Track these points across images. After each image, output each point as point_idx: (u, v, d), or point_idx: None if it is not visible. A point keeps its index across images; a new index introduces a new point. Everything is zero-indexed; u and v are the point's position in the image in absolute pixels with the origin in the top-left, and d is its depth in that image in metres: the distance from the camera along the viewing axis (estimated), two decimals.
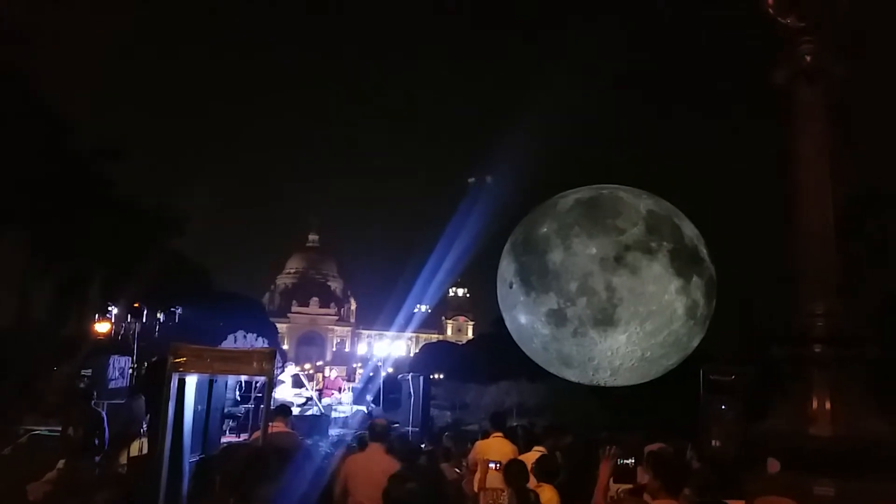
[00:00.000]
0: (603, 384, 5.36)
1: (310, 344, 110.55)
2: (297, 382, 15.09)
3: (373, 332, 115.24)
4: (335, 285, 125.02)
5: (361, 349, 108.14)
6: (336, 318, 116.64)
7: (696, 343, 5.32)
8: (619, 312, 4.86)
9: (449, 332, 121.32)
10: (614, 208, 5.14)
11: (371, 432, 4.77)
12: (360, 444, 5.67)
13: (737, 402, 9.45)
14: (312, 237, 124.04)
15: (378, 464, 4.37)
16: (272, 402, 5.96)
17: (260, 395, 11.54)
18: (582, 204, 5.29)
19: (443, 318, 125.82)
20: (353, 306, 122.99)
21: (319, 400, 15.10)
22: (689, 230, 5.26)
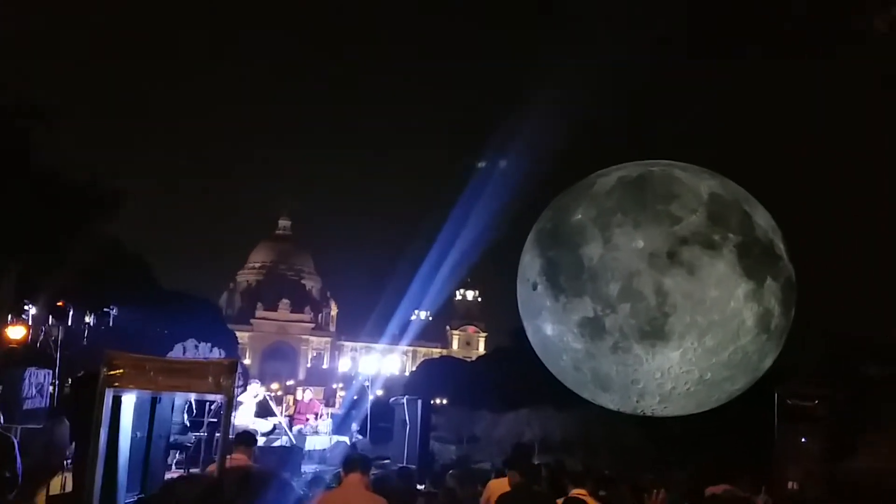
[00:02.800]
0: (650, 413, 5.38)
1: (278, 358, 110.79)
2: (263, 406, 15.17)
3: (358, 345, 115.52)
4: (311, 284, 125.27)
5: (344, 365, 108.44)
6: (312, 325, 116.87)
7: (768, 362, 5.33)
8: (672, 323, 4.87)
9: (455, 345, 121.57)
10: (668, 190, 5.15)
11: (346, 463, 4.72)
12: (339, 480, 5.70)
13: (820, 434, 9.49)
14: (283, 223, 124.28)
15: (357, 502, 4.40)
16: (231, 429, 6.00)
17: (215, 419, 11.60)
18: (627, 184, 5.30)
19: (447, 327, 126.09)
20: (334, 312, 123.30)
21: (290, 428, 15.17)
22: (763, 219, 5.26)
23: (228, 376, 5.86)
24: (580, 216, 5.28)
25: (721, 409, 5.65)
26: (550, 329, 5.34)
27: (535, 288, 5.41)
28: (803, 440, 9.59)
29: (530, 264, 5.53)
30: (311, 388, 24.71)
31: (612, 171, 5.55)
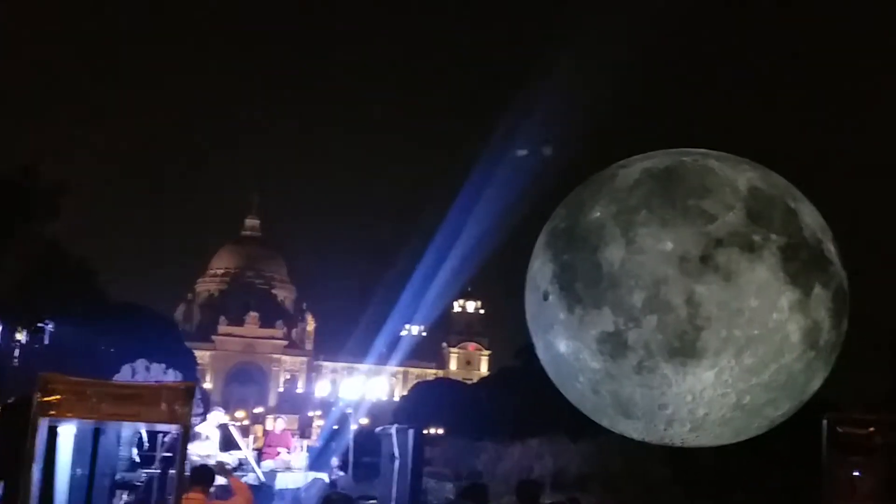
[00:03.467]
0: (680, 443, 5.39)
1: (245, 381, 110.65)
2: (226, 438, 15.16)
3: (339, 365, 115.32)
4: (284, 295, 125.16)
5: (322, 390, 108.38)
6: (285, 343, 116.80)
7: (817, 384, 5.35)
8: (706, 338, 4.89)
9: (453, 365, 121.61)
10: (701, 184, 5.17)
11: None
12: None
13: (878, 468, 9.52)
14: (251, 223, 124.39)
15: None
16: (187, 465, 5.99)
17: (170, 454, 11.60)
18: (653, 177, 5.32)
19: (444, 345, 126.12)
20: (311, 326, 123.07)
21: (258, 463, 15.17)
22: (811, 218, 5.29)
23: (185, 403, 5.86)
24: (599, 214, 5.30)
25: (762, 438, 5.66)
26: (564, 346, 5.35)
27: (546, 298, 5.43)
28: (857, 475, 9.61)
29: (541, 270, 5.55)
30: (283, 416, 24.74)
31: (636, 162, 5.57)
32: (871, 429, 10.04)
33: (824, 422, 9.93)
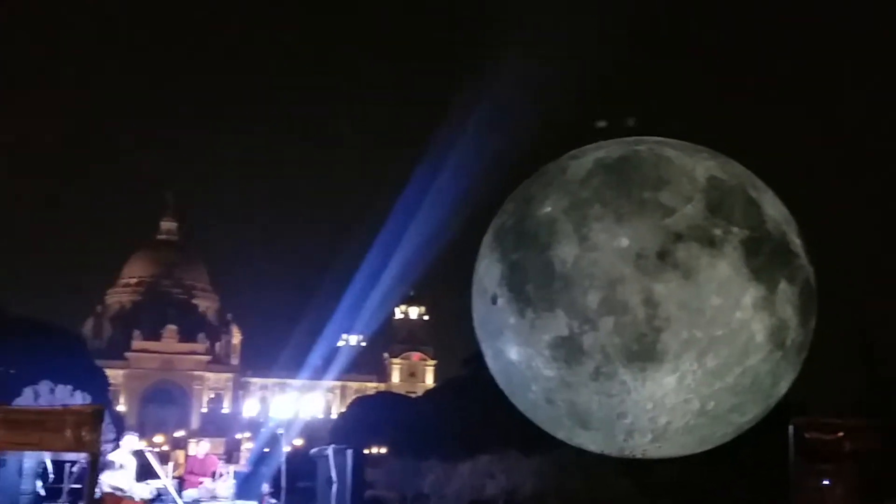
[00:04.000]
0: (640, 455, 5.45)
1: (163, 402, 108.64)
2: (143, 466, 14.89)
3: (269, 382, 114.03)
4: (206, 305, 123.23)
5: (250, 409, 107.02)
6: (208, 358, 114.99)
7: (784, 387, 5.45)
8: (666, 341, 4.95)
9: (396, 377, 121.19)
10: (657, 175, 5.23)
11: None
12: None
13: (848, 476, 9.78)
14: (167, 225, 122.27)
15: None
16: (98, 496, 5.85)
17: (78, 485, 11.36)
18: (606, 168, 5.37)
19: (385, 355, 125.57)
20: (237, 339, 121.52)
21: (179, 493, 14.93)
22: (774, 208, 5.39)
23: (93, 428, 5.73)
24: (549, 209, 5.33)
25: (727, 447, 5.75)
26: (515, 353, 5.36)
27: (494, 301, 5.43)
28: (825, 483, 9.87)
29: (488, 272, 5.55)
30: (207, 439, 24.38)
31: (589, 152, 5.61)
32: (840, 434, 10.28)
33: (791, 427, 10.14)
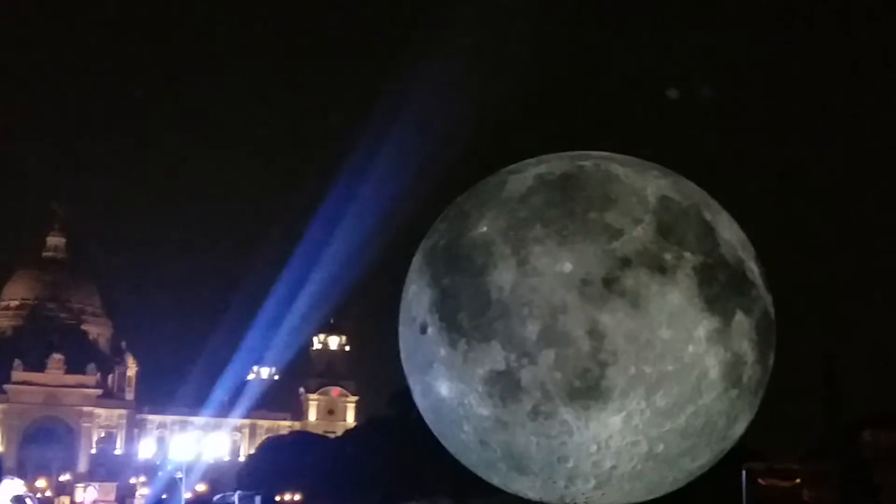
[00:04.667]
0: (584, 503, 5.46)
1: (47, 441, 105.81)
2: None
3: (168, 419, 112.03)
4: (97, 332, 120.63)
5: (146, 450, 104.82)
6: (98, 392, 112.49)
7: (740, 429, 5.52)
8: (612, 376, 4.98)
9: (313, 415, 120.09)
10: (603, 193, 5.28)
11: None
12: None
13: None
14: (53, 242, 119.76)
15: None
16: None
17: None
18: (548, 185, 5.40)
19: (301, 390, 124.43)
20: (132, 371, 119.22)
21: None
22: (730, 232, 5.48)
23: None
24: (485, 229, 5.33)
25: (678, 495, 5.79)
26: (446, 388, 5.33)
27: (423, 331, 5.41)
28: None
29: (416, 298, 5.53)
30: (96, 484, 23.86)
31: (529, 167, 5.64)
32: (798, 480, 10.47)
33: (743, 472, 10.30)
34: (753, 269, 5.46)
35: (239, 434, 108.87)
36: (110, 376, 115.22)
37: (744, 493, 9.47)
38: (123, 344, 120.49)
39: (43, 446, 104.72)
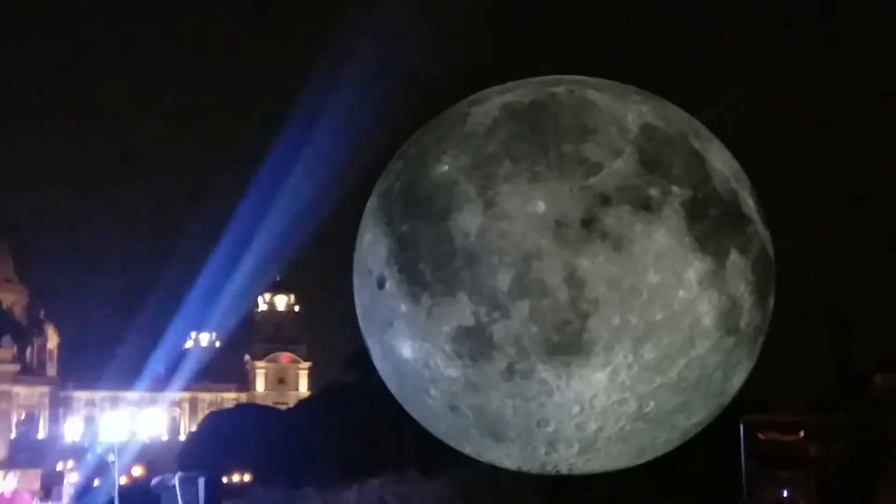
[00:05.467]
0: (566, 471, 5.51)
1: None
2: None
3: (97, 395, 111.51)
4: (11, 300, 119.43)
5: (73, 430, 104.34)
6: (15, 367, 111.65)
7: (739, 381, 5.59)
8: (594, 328, 5.00)
9: (261, 385, 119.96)
10: (578, 122, 5.27)
11: None
12: None
13: (810, 485, 10.16)
14: None
15: None
16: None
17: None
18: (516, 115, 5.38)
19: (247, 358, 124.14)
20: (54, 343, 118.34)
21: None
22: (722, 162, 5.50)
23: None
24: (446, 168, 5.32)
25: (671, 456, 5.87)
26: (409, 349, 5.35)
27: (381, 285, 5.41)
28: (785, 494, 10.21)
29: (372, 248, 5.52)
30: (15, 471, 23.80)
31: (493, 96, 5.62)
32: (802, 434, 10.60)
33: (741, 426, 10.42)
34: (749, 202, 5.49)
35: (178, 409, 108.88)
36: (28, 350, 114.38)
37: (742, 449, 9.67)
38: (42, 313, 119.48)
39: None
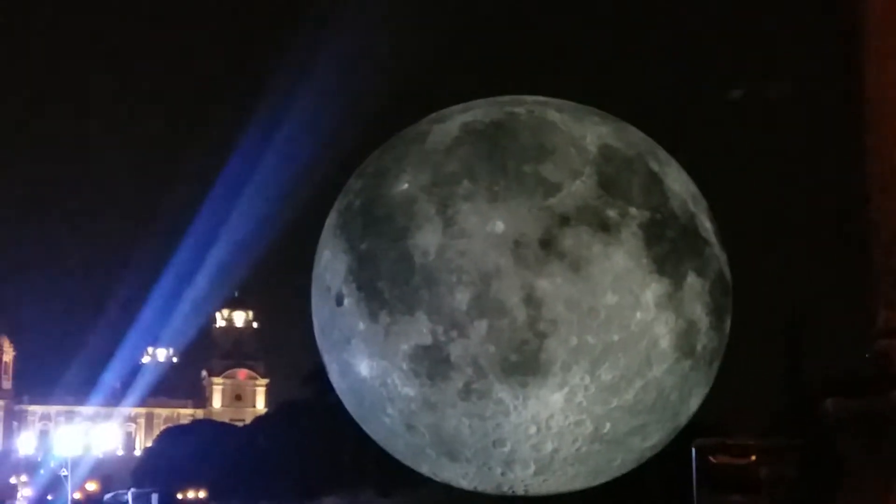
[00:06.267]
0: (523, 492, 5.50)
1: None
2: None
3: (52, 409, 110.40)
4: None
5: (26, 444, 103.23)
6: None
7: (695, 403, 5.60)
8: (552, 348, 5.00)
9: (217, 401, 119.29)
10: (538, 143, 5.28)
11: None
12: None
13: None
14: None
15: None
16: None
17: None
18: (476, 135, 5.39)
19: (203, 374, 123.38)
20: (9, 356, 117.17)
21: None
22: (679, 184, 5.53)
23: None
24: (406, 186, 5.32)
25: (627, 478, 5.86)
26: (366, 367, 5.32)
27: (339, 303, 5.39)
28: None
29: (331, 265, 5.50)
30: None
31: (455, 115, 5.62)
32: (753, 457, 10.64)
33: (693, 450, 10.45)
34: (706, 224, 5.52)
35: (133, 424, 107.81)
36: None
37: (693, 473, 9.75)
38: None
39: None
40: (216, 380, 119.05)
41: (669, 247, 5.19)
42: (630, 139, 5.53)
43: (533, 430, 5.13)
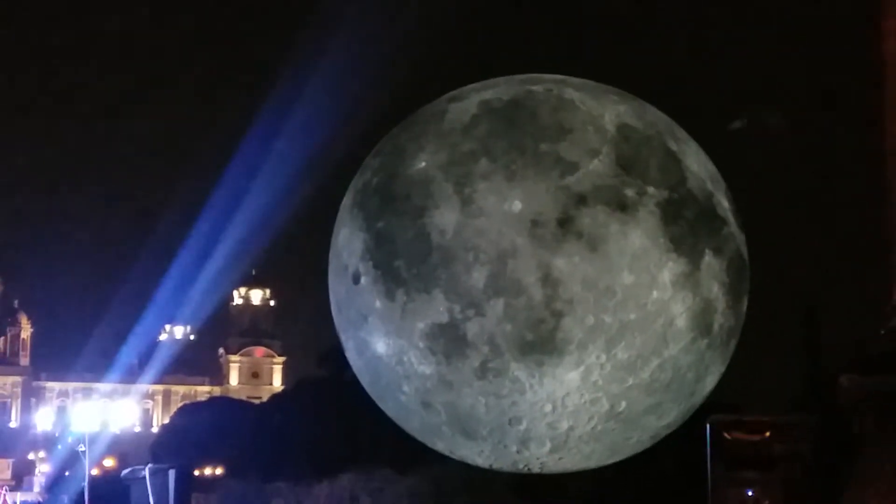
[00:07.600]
0: (538, 470, 5.51)
1: None
2: None
3: (69, 386, 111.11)
4: None
5: (44, 420, 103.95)
6: None
7: (711, 382, 5.60)
8: (568, 327, 5.00)
9: (234, 378, 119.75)
10: (556, 122, 5.26)
11: None
12: None
13: (776, 485, 10.16)
14: None
15: None
16: None
17: None
18: (494, 113, 5.37)
19: (221, 351, 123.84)
20: (27, 333, 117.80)
21: None
22: (698, 164, 5.51)
23: None
24: (423, 164, 5.31)
25: (643, 456, 5.87)
26: (383, 345, 5.33)
27: (356, 281, 5.39)
28: (749, 493, 10.23)
29: (348, 244, 5.50)
30: None
31: (471, 94, 5.61)
32: (768, 434, 10.62)
33: (707, 426, 10.42)
34: (724, 204, 5.50)
35: (151, 401, 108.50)
36: (1, 339, 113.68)
37: (707, 449, 9.76)
38: (16, 302, 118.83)
39: None
40: (233, 357, 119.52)
41: (687, 226, 5.17)
42: (648, 118, 5.50)
43: (549, 408, 5.14)
